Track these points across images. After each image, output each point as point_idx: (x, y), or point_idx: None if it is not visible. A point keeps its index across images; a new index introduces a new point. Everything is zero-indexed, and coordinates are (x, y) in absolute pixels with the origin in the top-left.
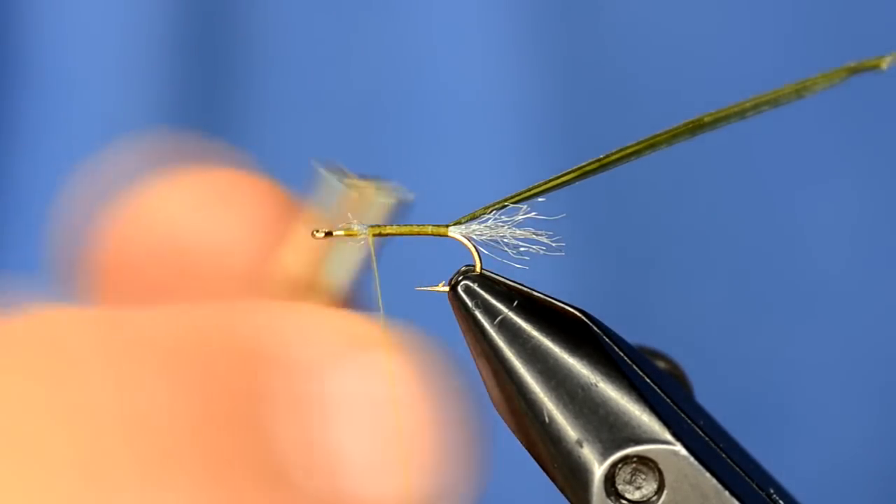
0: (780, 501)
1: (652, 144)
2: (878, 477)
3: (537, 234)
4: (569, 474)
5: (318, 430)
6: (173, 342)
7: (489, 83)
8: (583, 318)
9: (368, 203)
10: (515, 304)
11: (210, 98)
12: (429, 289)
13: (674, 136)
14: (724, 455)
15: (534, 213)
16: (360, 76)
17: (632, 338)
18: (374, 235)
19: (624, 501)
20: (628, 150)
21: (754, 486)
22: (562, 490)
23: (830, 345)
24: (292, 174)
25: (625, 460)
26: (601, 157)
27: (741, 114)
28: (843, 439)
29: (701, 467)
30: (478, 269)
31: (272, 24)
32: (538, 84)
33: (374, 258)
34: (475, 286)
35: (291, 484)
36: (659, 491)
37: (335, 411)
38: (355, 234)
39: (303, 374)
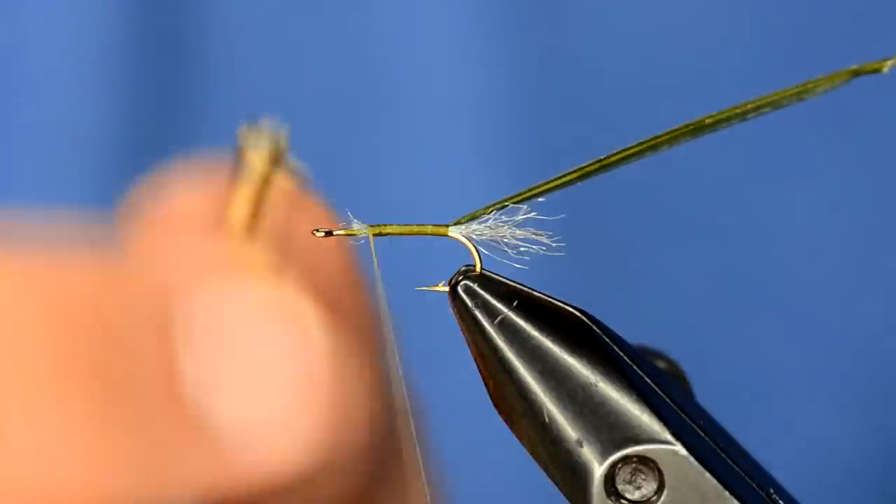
0: (780, 501)
1: (653, 145)
2: (874, 473)
3: (537, 234)
4: (569, 474)
5: (182, 357)
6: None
7: (467, 80)
8: (583, 317)
9: (256, 148)
10: (515, 304)
11: (175, 98)
12: (429, 289)
13: (675, 138)
14: (724, 455)
15: (534, 213)
16: (334, 75)
17: (631, 338)
18: (374, 235)
19: (624, 501)
20: (629, 151)
21: (754, 485)
22: (562, 490)
23: (831, 345)
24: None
25: (625, 460)
26: (602, 157)
27: (742, 115)
28: (845, 439)
29: (701, 467)
30: (478, 268)
31: (241, 22)
32: (518, 80)
33: (374, 257)
34: (475, 286)
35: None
36: (659, 491)
37: (199, 337)
38: (355, 234)
39: (166, 296)
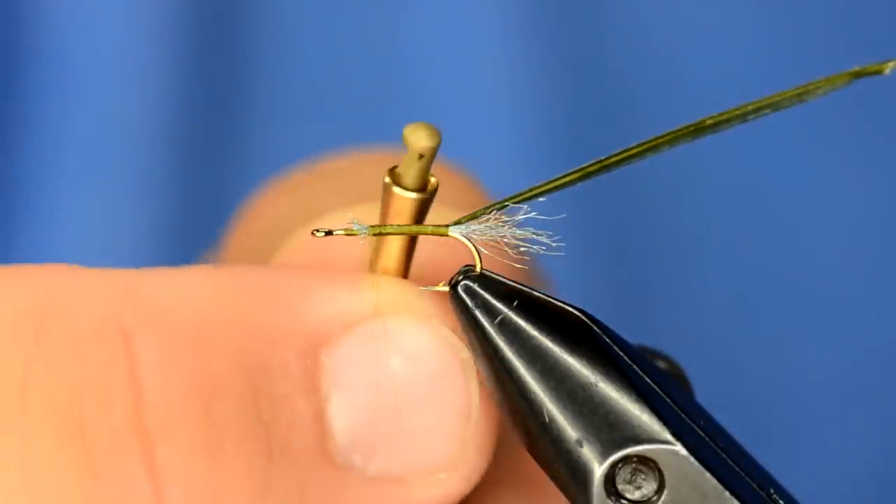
0: (780, 501)
1: (654, 146)
2: (880, 480)
3: (537, 234)
4: (569, 474)
5: (315, 404)
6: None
7: (493, 80)
8: (583, 317)
9: (397, 200)
10: (515, 303)
11: (217, 94)
12: (429, 288)
13: (676, 138)
14: (724, 455)
15: (534, 213)
16: (364, 73)
17: (634, 338)
18: (374, 234)
19: (624, 501)
20: (630, 152)
21: (754, 485)
22: (562, 490)
23: (835, 347)
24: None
25: (625, 460)
26: (603, 158)
27: (743, 116)
28: (849, 441)
29: (701, 467)
30: (478, 268)
31: (280, 22)
32: (544, 83)
33: (375, 257)
34: (475, 286)
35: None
36: (659, 491)
37: (351, 387)
38: (355, 234)
39: (315, 346)
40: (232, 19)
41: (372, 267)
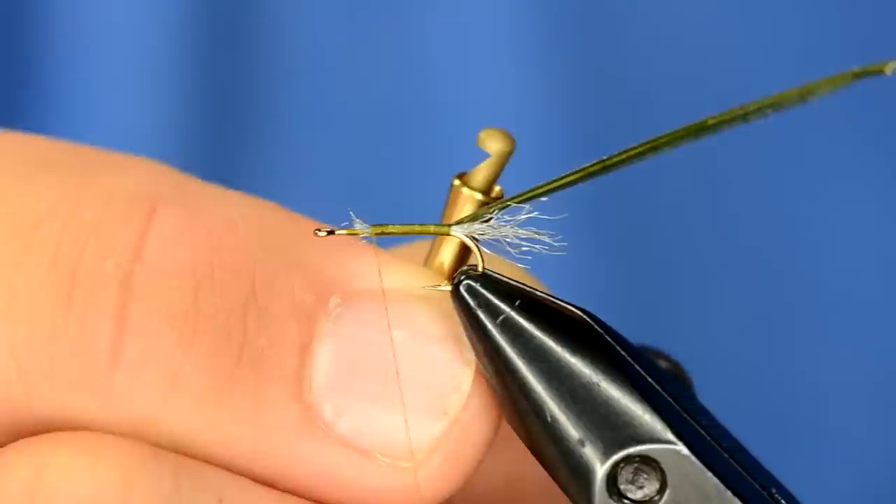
0: (782, 500)
1: (655, 146)
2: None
3: (539, 234)
4: (571, 474)
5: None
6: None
7: (507, 96)
8: (585, 317)
9: (462, 199)
10: (517, 303)
11: (227, 110)
12: (431, 288)
13: (677, 139)
14: (726, 454)
15: (536, 213)
16: (377, 87)
17: (652, 341)
18: (377, 234)
19: (626, 501)
20: (631, 153)
21: (756, 485)
22: (564, 489)
23: (855, 354)
24: (311, 184)
25: (627, 460)
26: (604, 158)
27: (744, 117)
28: (871, 448)
29: (703, 467)
30: (480, 268)
31: (290, 36)
32: (557, 97)
33: (377, 258)
34: (477, 285)
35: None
36: (661, 490)
37: (342, 338)
38: (357, 233)
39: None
40: (243, 36)
41: (427, 262)
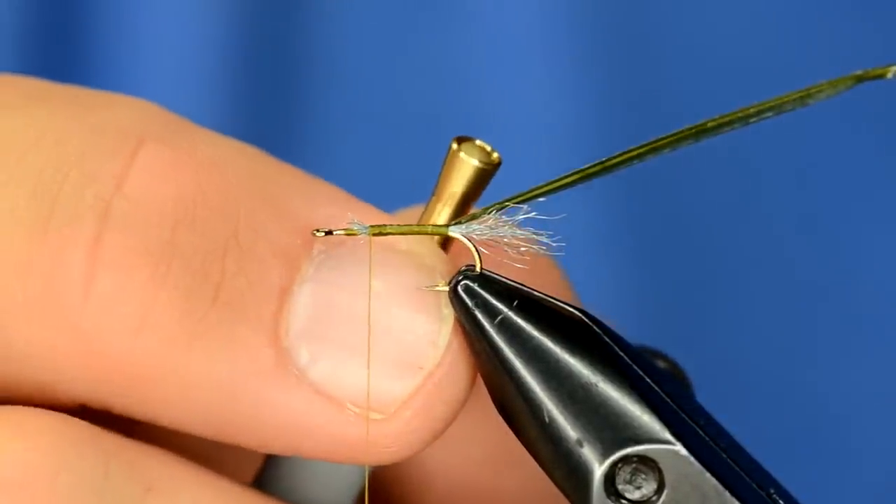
0: (780, 501)
1: (655, 148)
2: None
3: (538, 234)
4: (569, 474)
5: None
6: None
7: (546, 102)
8: (583, 318)
9: (459, 163)
10: (515, 303)
11: (272, 113)
12: (429, 288)
13: (678, 140)
14: (724, 455)
15: (534, 213)
16: (419, 93)
17: (662, 345)
18: (375, 234)
19: (624, 501)
20: (631, 154)
21: (754, 485)
22: (562, 490)
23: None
24: (350, 188)
25: (625, 460)
26: (604, 159)
27: (745, 119)
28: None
29: (701, 467)
30: (478, 268)
31: (332, 43)
32: (593, 104)
33: (370, 258)
34: (475, 286)
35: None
36: (659, 491)
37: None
38: (355, 234)
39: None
40: (284, 43)
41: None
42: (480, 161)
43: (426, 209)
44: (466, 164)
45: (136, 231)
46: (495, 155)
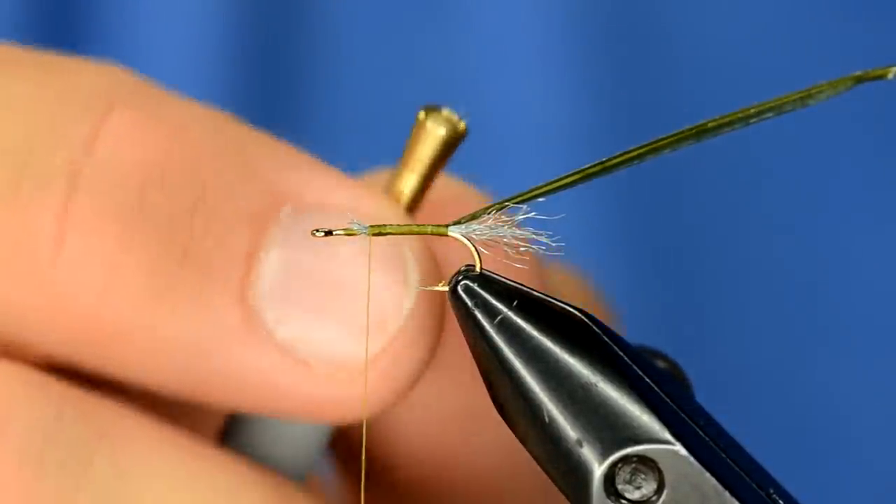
0: (780, 501)
1: (655, 148)
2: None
3: (537, 234)
4: (569, 474)
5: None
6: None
7: (546, 102)
8: (583, 318)
9: (425, 133)
10: (515, 303)
11: (272, 111)
12: (429, 288)
13: (677, 141)
14: (723, 455)
15: (534, 213)
16: (419, 94)
17: (666, 347)
18: (375, 234)
19: (624, 501)
20: (631, 154)
21: (754, 485)
22: (561, 490)
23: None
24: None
25: (625, 460)
26: (604, 159)
27: (745, 119)
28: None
29: (701, 467)
30: (478, 268)
31: (338, 34)
32: (593, 105)
33: (370, 258)
34: (475, 286)
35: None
36: (659, 491)
37: (291, 248)
38: (355, 233)
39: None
40: (285, 43)
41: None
42: (447, 131)
43: (393, 176)
44: (432, 134)
45: (105, 194)
46: (462, 125)
